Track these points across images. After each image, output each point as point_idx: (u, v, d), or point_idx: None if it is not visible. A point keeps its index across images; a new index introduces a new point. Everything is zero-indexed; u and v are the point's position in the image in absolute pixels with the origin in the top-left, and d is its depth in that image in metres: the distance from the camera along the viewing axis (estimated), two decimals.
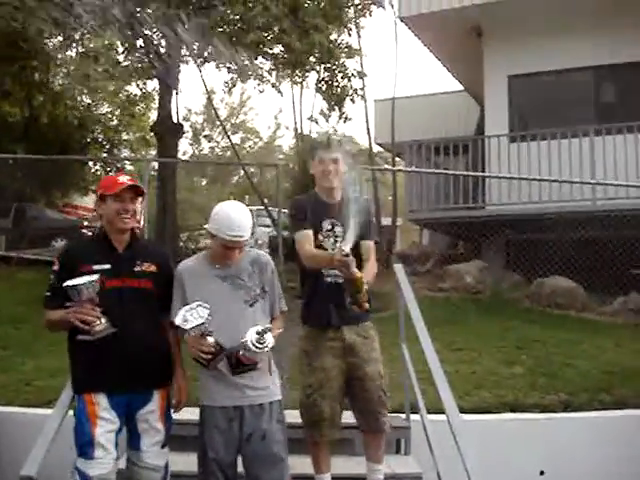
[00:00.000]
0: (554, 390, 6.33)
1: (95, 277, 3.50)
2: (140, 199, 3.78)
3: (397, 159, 17.13)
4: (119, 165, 23.68)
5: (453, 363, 7.06)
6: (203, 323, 3.47)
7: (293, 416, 4.17)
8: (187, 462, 3.92)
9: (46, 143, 18.91)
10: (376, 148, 19.16)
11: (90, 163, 23.58)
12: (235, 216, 3.61)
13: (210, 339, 3.52)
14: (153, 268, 3.77)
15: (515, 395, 6.21)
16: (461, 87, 17.37)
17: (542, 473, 5.60)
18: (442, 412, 4.85)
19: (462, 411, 5.79)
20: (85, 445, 3.49)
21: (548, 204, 11.31)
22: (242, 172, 26.05)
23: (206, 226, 3.76)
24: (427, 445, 4.65)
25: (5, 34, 10.52)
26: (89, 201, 24.88)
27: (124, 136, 23.53)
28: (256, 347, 3.50)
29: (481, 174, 12.23)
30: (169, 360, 3.82)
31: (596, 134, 11.48)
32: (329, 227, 4.20)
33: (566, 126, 11.68)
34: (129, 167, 24.67)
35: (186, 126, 40.89)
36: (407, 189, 13.06)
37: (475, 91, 15.94)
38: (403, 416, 5.35)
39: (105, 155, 23.19)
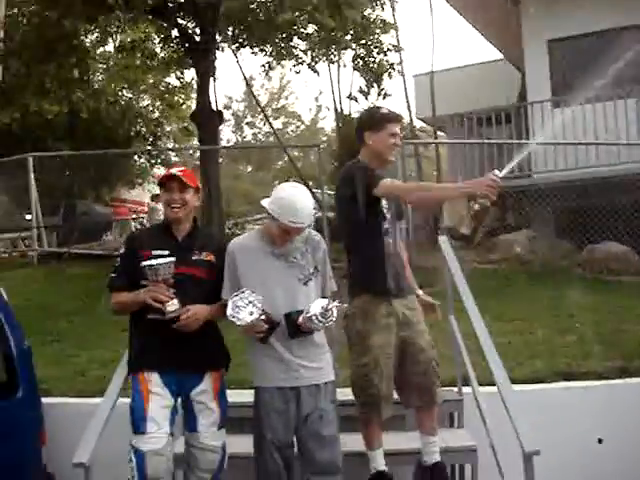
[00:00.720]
0: (609, 357, 6.19)
1: (172, 259, 3.64)
2: (191, 189, 3.81)
3: (440, 133, 16.94)
4: (163, 156, 23.89)
5: (505, 334, 6.95)
6: (260, 316, 3.50)
7: (343, 394, 4.15)
8: (243, 444, 3.93)
9: (90, 139, 19.16)
10: (418, 123, 19.00)
11: (135, 156, 23.83)
12: (300, 205, 3.63)
13: (263, 317, 3.53)
14: (211, 257, 3.83)
15: (569, 364, 6.09)
16: (501, 56, 17.07)
17: (600, 441, 5.47)
18: (494, 384, 4.81)
19: (515, 382, 5.73)
20: (138, 420, 3.58)
21: (595, 168, 11.08)
22: (285, 157, 26.09)
23: (265, 205, 3.72)
24: (480, 418, 4.60)
25: (41, 34, 10.66)
26: (136, 195, 25.20)
27: (167, 127, 23.68)
28: (319, 321, 3.53)
29: (525, 141, 12.00)
30: (222, 346, 3.94)
31: None
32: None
33: (611, 87, 11.37)
34: (174, 158, 24.88)
35: (227, 114, 41.49)
36: (450, 162, 12.91)
37: (515, 59, 15.65)
38: (455, 389, 5.30)
39: (149, 147, 23.37)
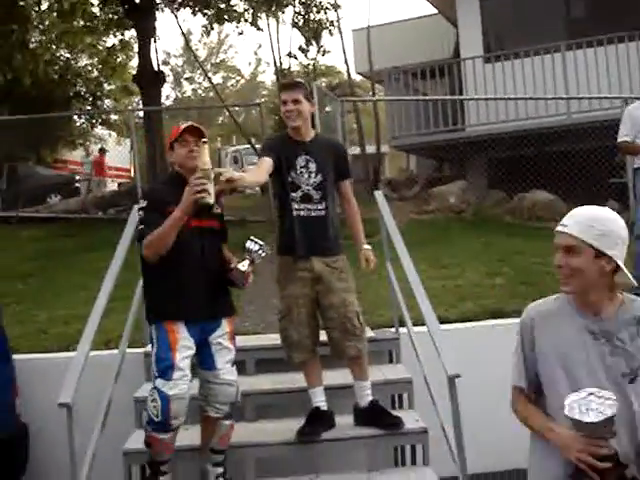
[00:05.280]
0: (534, 297, 6.73)
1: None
2: (203, 141, 3.92)
3: (378, 86, 17.32)
4: (104, 117, 23.69)
5: (439, 279, 7.49)
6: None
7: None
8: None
9: (30, 101, 18.96)
10: (358, 77, 19.31)
11: (75, 117, 23.56)
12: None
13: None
14: (219, 210, 4.12)
15: (497, 303, 6.65)
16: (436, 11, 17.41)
17: None
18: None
19: (448, 321, 6.31)
20: (166, 368, 3.84)
21: (525, 121, 11.64)
22: (227, 113, 26.15)
23: (613, 252, 2.43)
24: (415, 354, 5.11)
25: None
26: (78, 155, 24.99)
27: (106, 87, 23.45)
28: None
29: (459, 97, 12.50)
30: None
31: (567, 49, 11.74)
32: (303, 163, 4.43)
33: (538, 43, 11.90)
34: (114, 117, 24.70)
35: (166, 70, 40.87)
36: (389, 116, 13.34)
37: (450, 14, 16.05)
38: (393, 330, 5.80)
39: (89, 108, 23.12)
